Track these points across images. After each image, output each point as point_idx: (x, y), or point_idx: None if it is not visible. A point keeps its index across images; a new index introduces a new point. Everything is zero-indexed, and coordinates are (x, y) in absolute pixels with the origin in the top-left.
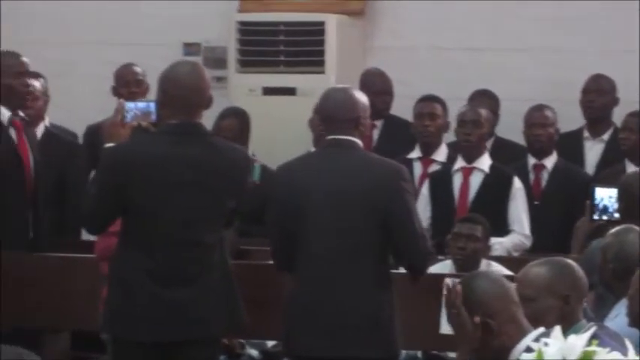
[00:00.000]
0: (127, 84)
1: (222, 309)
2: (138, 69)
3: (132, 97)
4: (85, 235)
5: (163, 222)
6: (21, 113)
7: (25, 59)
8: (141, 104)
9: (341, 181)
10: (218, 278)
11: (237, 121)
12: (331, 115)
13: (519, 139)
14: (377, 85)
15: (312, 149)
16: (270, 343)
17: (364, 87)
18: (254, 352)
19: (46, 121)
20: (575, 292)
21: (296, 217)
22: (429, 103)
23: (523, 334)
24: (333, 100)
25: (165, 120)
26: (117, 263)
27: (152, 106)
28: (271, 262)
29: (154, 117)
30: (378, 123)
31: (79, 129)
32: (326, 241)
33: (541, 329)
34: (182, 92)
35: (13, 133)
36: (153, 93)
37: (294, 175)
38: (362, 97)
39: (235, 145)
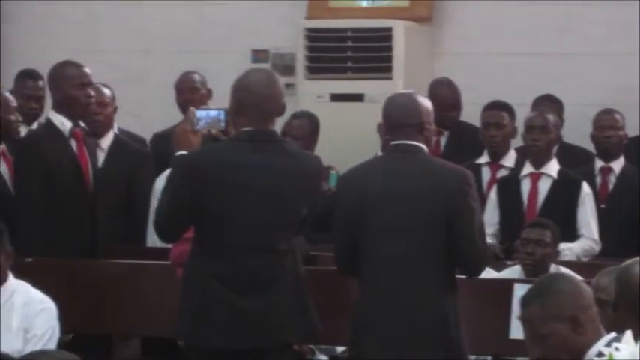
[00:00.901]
0: (182, 92)
1: (295, 316)
2: (195, 76)
3: (188, 104)
4: (151, 242)
5: (238, 229)
6: (82, 124)
7: (87, 70)
8: (212, 112)
9: (405, 185)
10: (291, 285)
11: (308, 123)
12: (395, 120)
13: (584, 143)
14: (446, 97)
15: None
16: (340, 349)
17: (432, 97)
18: (324, 358)
19: (115, 129)
20: None
21: (361, 222)
22: (495, 112)
23: (599, 336)
24: (396, 105)
25: (239, 127)
26: (190, 270)
27: (222, 114)
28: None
29: (223, 125)
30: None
31: (150, 136)
32: (392, 245)
33: (612, 334)
34: (256, 100)
35: (73, 143)
36: (218, 100)
37: (359, 180)
38: (425, 102)
39: (309, 152)
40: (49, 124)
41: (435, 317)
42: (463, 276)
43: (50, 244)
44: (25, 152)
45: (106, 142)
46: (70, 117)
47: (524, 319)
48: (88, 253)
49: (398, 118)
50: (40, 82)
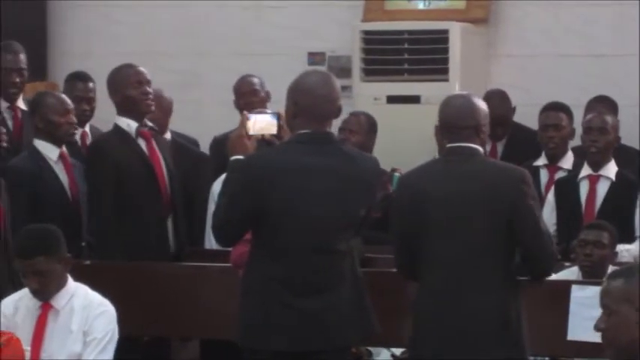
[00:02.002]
0: (242, 95)
1: (354, 317)
2: (254, 79)
3: (248, 107)
4: (209, 244)
5: (297, 231)
6: (149, 123)
7: (142, 69)
8: (265, 116)
9: (463, 186)
10: (349, 286)
11: (366, 119)
12: (451, 122)
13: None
14: (497, 110)
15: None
16: (398, 350)
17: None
18: (382, 359)
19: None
20: None
21: (419, 225)
22: (553, 114)
23: None
24: (453, 107)
25: (295, 130)
26: (249, 273)
27: (275, 117)
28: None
29: (276, 129)
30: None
31: (206, 139)
32: (451, 246)
33: None
34: (313, 101)
35: (142, 143)
36: (276, 102)
37: (416, 182)
38: (482, 104)
39: (366, 154)
40: (116, 127)
41: (495, 318)
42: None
43: (125, 247)
44: (95, 158)
45: None
46: (134, 117)
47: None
48: (165, 255)
49: (454, 120)
50: (90, 84)
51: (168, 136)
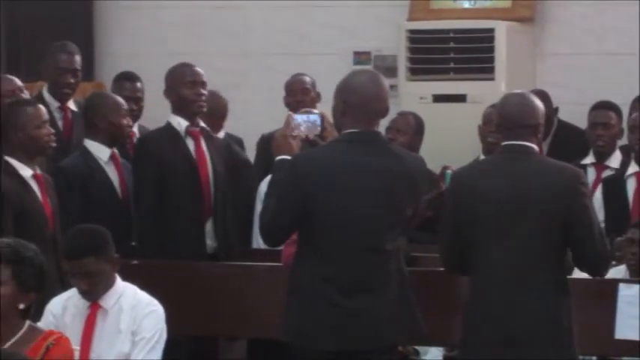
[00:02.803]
0: (294, 93)
1: (400, 317)
2: (306, 78)
3: (299, 105)
4: (257, 244)
5: (345, 230)
6: (201, 123)
7: (198, 69)
8: (310, 117)
9: (518, 185)
10: (396, 285)
11: (414, 119)
12: (510, 120)
13: None
14: None
15: (482, 156)
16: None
17: None
18: (429, 358)
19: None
20: None
21: (472, 223)
22: (603, 112)
23: None
24: (512, 105)
25: (343, 129)
26: (296, 272)
27: (318, 118)
28: (441, 268)
29: (320, 129)
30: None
31: (252, 138)
32: (505, 246)
33: None
34: (361, 101)
35: (190, 143)
36: (324, 102)
37: (469, 180)
38: (540, 103)
39: (414, 153)
40: (168, 125)
41: (548, 319)
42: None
43: (167, 246)
44: (140, 154)
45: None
46: (185, 116)
47: None
48: (211, 253)
49: (514, 119)
50: (138, 84)
51: (221, 135)
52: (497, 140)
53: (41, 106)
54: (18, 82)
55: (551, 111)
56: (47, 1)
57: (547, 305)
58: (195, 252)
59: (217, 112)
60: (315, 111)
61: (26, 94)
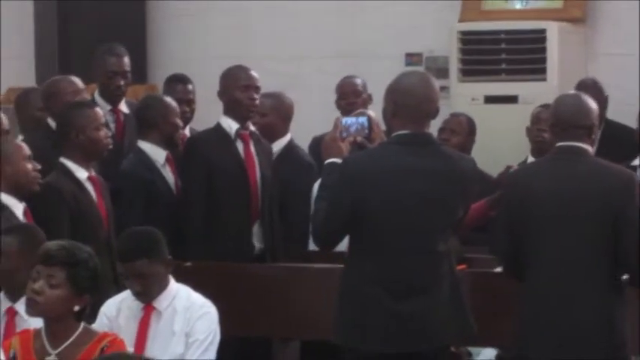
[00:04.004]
0: (346, 95)
1: (452, 318)
2: (358, 80)
3: (351, 108)
4: (312, 245)
5: (397, 232)
6: (252, 127)
7: (253, 73)
8: (358, 119)
9: (571, 186)
10: (448, 287)
11: (467, 121)
12: (564, 121)
13: None
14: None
15: (530, 158)
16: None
17: None
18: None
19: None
20: None
21: (527, 224)
22: None
23: None
24: (567, 106)
25: (394, 130)
26: (348, 274)
27: (366, 121)
28: (494, 269)
29: (367, 132)
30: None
31: (305, 141)
32: (559, 246)
33: None
34: (412, 102)
35: (240, 145)
36: (375, 104)
37: (524, 180)
38: (594, 105)
39: (465, 155)
40: (218, 126)
41: (602, 319)
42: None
43: (213, 247)
44: (189, 154)
45: (276, 147)
46: (236, 119)
47: None
48: (258, 255)
49: (569, 120)
50: (190, 86)
51: (287, 138)
52: (548, 140)
53: (99, 109)
54: (80, 83)
55: (603, 101)
56: (100, 6)
57: (601, 306)
58: (242, 253)
59: (283, 113)
60: (368, 112)
61: (88, 96)
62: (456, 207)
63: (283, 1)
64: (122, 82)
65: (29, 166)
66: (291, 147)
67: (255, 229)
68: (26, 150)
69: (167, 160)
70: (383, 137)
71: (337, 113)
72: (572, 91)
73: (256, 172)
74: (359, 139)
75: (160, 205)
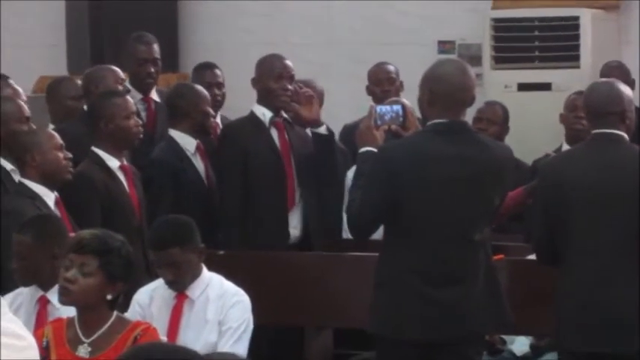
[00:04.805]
0: (380, 82)
1: (488, 307)
2: (391, 67)
3: (385, 95)
4: (346, 234)
5: (433, 220)
6: (284, 114)
7: (288, 62)
8: (392, 107)
9: (607, 174)
10: (483, 275)
11: (501, 109)
12: (597, 108)
13: None
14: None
15: (565, 145)
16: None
17: None
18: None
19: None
20: None
21: (563, 212)
22: None
23: None
24: (598, 93)
25: (430, 119)
26: (384, 263)
27: (400, 109)
28: (529, 257)
29: (402, 120)
30: None
31: (336, 128)
32: (597, 235)
33: None
34: (449, 90)
35: (274, 133)
36: (407, 91)
37: (560, 170)
38: (627, 90)
39: (501, 143)
40: (252, 114)
41: (637, 310)
42: None
43: (249, 235)
44: (224, 142)
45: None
46: (269, 108)
47: None
48: (282, 245)
49: (600, 107)
50: (217, 71)
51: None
52: (585, 127)
53: (129, 98)
54: (120, 73)
55: (630, 83)
56: None
57: (636, 296)
58: (278, 242)
59: None
60: (402, 100)
61: (128, 86)
62: (492, 195)
63: None
64: (152, 70)
65: (60, 155)
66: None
67: (292, 216)
68: (58, 139)
69: (198, 148)
70: (418, 125)
71: (368, 101)
72: (604, 79)
73: (291, 159)
74: (393, 127)
75: (190, 193)
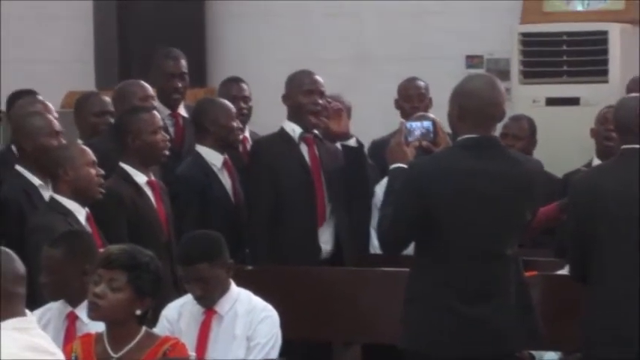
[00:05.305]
0: (410, 98)
1: (519, 322)
2: (421, 83)
3: (413, 111)
4: (373, 249)
5: (464, 236)
6: (315, 130)
7: (318, 78)
8: (423, 123)
9: (637, 190)
10: (515, 291)
11: (528, 124)
12: (626, 124)
13: None
14: None
15: (596, 160)
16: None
17: None
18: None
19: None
20: None
21: (594, 227)
22: None
23: None
24: (627, 108)
25: (460, 134)
26: (415, 279)
27: (431, 125)
28: (557, 272)
29: (432, 136)
30: None
31: (365, 143)
32: (627, 249)
33: None
34: (479, 105)
35: (304, 149)
36: (435, 106)
37: (591, 183)
38: None
39: (532, 157)
40: (281, 131)
41: None
42: None
43: (279, 250)
44: (254, 158)
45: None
46: (300, 124)
47: None
48: (313, 261)
49: (629, 122)
50: (244, 85)
51: (353, 141)
52: (615, 141)
53: (156, 113)
54: (149, 89)
55: None
56: (160, 10)
57: None
58: (309, 257)
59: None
60: (430, 116)
61: (156, 102)
62: (523, 210)
63: (343, 1)
64: (180, 84)
65: (93, 171)
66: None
67: (322, 231)
68: (90, 155)
69: (225, 164)
70: (448, 141)
71: (397, 116)
72: (634, 94)
73: (321, 175)
74: (424, 143)
75: (216, 209)
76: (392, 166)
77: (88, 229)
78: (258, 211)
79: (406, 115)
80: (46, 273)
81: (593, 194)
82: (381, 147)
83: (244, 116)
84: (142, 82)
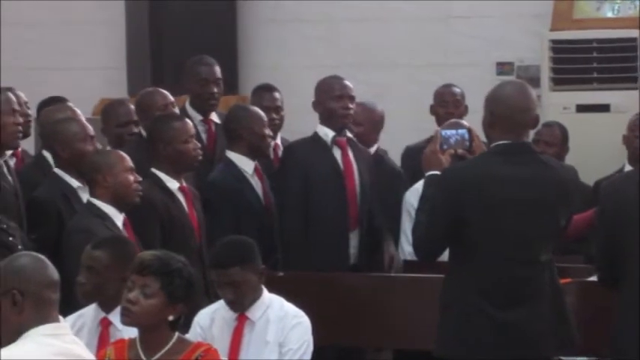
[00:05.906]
0: (446, 104)
1: (554, 328)
2: (457, 90)
3: (448, 117)
4: (402, 254)
5: (500, 242)
6: (349, 134)
7: (347, 83)
8: (458, 131)
9: None
10: (549, 297)
11: (560, 130)
12: None
13: None
14: None
15: (628, 166)
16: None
17: None
18: None
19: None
20: None
21: (623, 233)
22: None
23: None
24: None
25: (493, 141)
26: (450, 286)
27: (466, 133)
28: (588, 279)
29: (468, 144)
30: None
31: (395, 150)
32: None
33: None
34: (510, 112)
35: (337, 152)
36: (469, 114)
37: (621, 190)
38: None
39: (566, 164)
40: (315, 135)
41: None
42: None
43: (310, 256)
44: (286, 163)
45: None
46: (330, 127)
47: None
48: (343, 267)
49: None
50: (277, 94)
51: (374, 148)
52: None
53: (188, 121)
54: (170, 96)
55: None
56: (192, 17)
57: None
58: (339, 262)
59: (375, 123)
60: (464, 124)
61: (177, 109)
62: (557, 216)
63: (374, 9)
64: (215, 90)
65: (131, 177)
66: (378, 155)
67: (353, 237)
68: (128, 161)
69: (256, 170)
70: (484, 149)
71: (428, 122)
72: None
73: (355, 179)
74: (460, 151)
75: (249, 215)
76: (427, 173)
77: (125, 234)
78: (291, 217)
79: (440, 120)
80: (86, 274)
81: (620, 200)
82: (414, 152)
83: (276, 126)
84: (160, 89)
